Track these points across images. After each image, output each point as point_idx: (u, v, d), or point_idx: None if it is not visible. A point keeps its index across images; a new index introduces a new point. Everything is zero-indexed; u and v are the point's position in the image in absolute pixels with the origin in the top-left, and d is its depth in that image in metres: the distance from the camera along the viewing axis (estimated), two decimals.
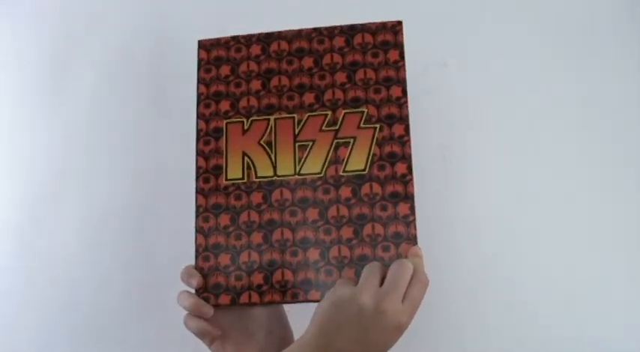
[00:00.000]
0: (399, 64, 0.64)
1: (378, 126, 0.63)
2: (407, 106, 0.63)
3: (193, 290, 0.61)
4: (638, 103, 0.77)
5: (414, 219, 0.61)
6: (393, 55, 0.65)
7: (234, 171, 0.64)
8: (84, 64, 0.82)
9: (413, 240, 0.60)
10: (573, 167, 0.76)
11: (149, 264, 0.76)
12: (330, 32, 0.66)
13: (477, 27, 0.80)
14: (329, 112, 0.64)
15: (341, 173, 0.62)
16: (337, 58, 0.65)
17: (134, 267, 0.76)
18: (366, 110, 0.64)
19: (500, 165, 0.76)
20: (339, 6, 0.82)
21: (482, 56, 0.79)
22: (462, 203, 0.75)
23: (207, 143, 0.65)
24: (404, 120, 0.63)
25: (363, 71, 0.65)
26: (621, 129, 0.76)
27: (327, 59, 0.65)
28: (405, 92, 0.64)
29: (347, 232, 0.61)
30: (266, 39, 0.67)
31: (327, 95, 0.64)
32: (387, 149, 0.62)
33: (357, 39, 0.66)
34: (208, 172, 0.64)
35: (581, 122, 0.77)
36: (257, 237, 0.62)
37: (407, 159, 0.62)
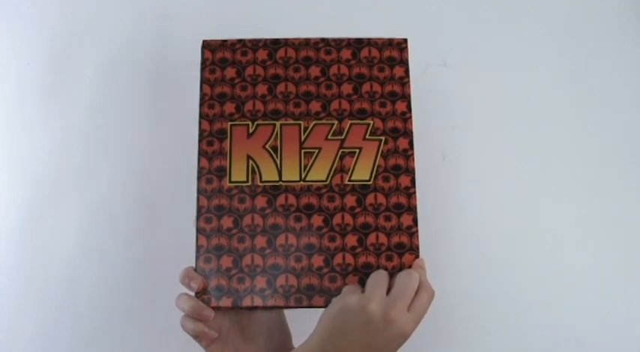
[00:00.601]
0: (405, 80, 0.65)
1: (383, 138, 0.64)
2: (411, 121, 0.64)
3: (192, 293, 0.61)
4: (638, 104, 0.77)
5: (417, 231, 0.62)
6: (398, 71, 0.66)
7: (238, 173, 0.64)
8: (84, 64, 0.82)
9: (416, 250, 0.61)
10: (574, 167, 0.76)
11: (149, 264, 0.76)
12: (338, 44, 0.67)
13: (477, 27, 0.80)
14: (335, 122, 0.64)
15: (346, 182, 0.63)
16: (344, 69, 0.66)
17: (134, 267, 0.76)
18: (371, 122, 0.65)
19: (500, 166, 0.76)
20: (339, 4, 0.82)
21: (483, 56, 0.79)
22: (461, 203, 0.76)
23: (210, 144, 0.65)
24: (408, 134, 0.64)
25: (369, 84, 0.65)
26: (622, 129, 0.77)
27: (334, 70, 0.66)
28: (409, 107, 0.65)
29: (351, 240, 0.62)
30: (273, 45, 0.67)
31: (334, 105, 0.65)
32: (392, 161, 0.64)
33: (364, 52, 0.66)
34: (211, 173, 0.64)
35: (582, 122, 0.77)
36: (261, 241, 0.62)
37: (411, 172, 0.63)
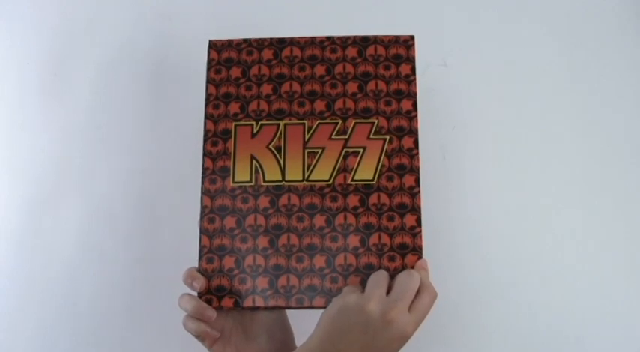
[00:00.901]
0: (411, 78, 0.65)
1: (387, 137, 0.64)
2: (417, 120, 0.64)
3: (195, 293, 0.61)
4: (638, 104, 0.77)
5: (421, 231, 0.61)
6: (404, 68, 0.65)
7: (241, 174, 0.64)
8: (84, 64, 0.82)
9: (419, 251, 0.61)
10: (574, 167, 0.76)
11: (149, 264, 0.76)
12: (343, 42, 0.66)
13: (477, 27, 0.81)
14: (339, 121, 0.64)
15: (349, 182, 0.63)
16: (349, 67, 0.65)
17: (134, 268, 0.76)
18: (376, 121, 0.64)
19: (500, 166, 0.76)
20: (339, 5, 0.82)
21: (483, 56, 0.79)
22: (461, 203, 0.76)
23: (214, 144, 0.65)
24: (414, 133, 0.63)
25: (375, 82, 0.65)
26: (622, 129, 0.77)
27: (339, 68, 0.66)
28: (415, 106, 0.64)
29: (354, 240, 0.61)
30: (278, 44, 0.67)
31: (338, 104, 0.64)
32: (396, 161, 0.63)
33: (370, 50, 0.66)
34: (215, 173, 0.64)
35: (582, 122, 0.77)
36: (263, 241, 0.62)
37: (415, 171, 0.63)
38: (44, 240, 0.77)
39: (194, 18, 0.82)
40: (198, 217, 0.63)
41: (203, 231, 0.63)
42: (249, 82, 0.66)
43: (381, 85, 0.65)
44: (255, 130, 0.64)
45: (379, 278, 0.57)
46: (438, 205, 0.74)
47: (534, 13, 0.80)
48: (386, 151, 0.63)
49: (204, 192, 0.63)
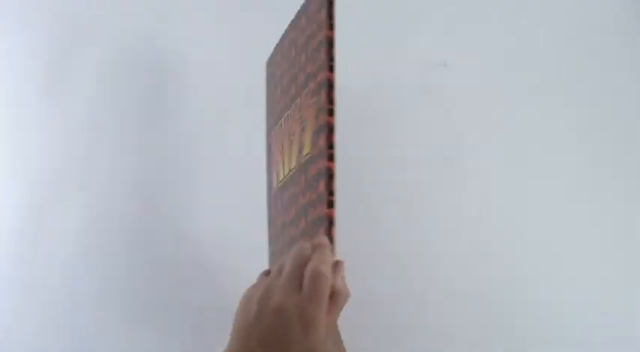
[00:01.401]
0: (329, 22, 0.53)
1: (316, 98, 0.54)
2: (332, 68, 0.52)
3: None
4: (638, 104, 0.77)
5: (329, 198, 0.50)
6: (322, 15, 0.54)
7: (275, 183, 0.65)
8: (84, 65, 0.82)
9: (327, 221, 0.50)
10: (573, 167, 0.75)
11: (149, 265, 0.76)
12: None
13: (477, 27, 0.80)
14: (298, 99, 0.58)
15: (301, 161, 0.56)
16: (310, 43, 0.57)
17: (134, 268, 0.76)
18: (312, 85, 0.55)
19: (500, 165, 0.76)
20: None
21: (483, 56, 0.79)
22: (461, 203, 0.75)
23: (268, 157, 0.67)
24: (330, 87, 0.52)
25: (311, 45, 0.56)
26: (622, 129, 0.76)
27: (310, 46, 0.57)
28: (329, 54, 0.52)
29: (302, 223, 0.55)
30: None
31: (300, 82, 0.59)
32: (320, 121, 0.52)
33: (302, 21, 0.59)
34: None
35: (582, 122, 0.77)
36: (271, 247, 0.64)
37: (325, 128, 0.51)
38: (44, 239, 0.77)
39: (193, 18, 0.82)
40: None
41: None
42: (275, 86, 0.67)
43: (312, 44, 0.55)
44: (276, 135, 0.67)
45: (277, 261, 0.50)
46: (438, 204, 0.74)
47: (534, 13, 0.80)
48: (316, 115, 0.53)
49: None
